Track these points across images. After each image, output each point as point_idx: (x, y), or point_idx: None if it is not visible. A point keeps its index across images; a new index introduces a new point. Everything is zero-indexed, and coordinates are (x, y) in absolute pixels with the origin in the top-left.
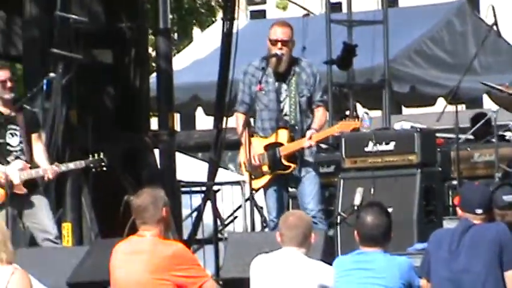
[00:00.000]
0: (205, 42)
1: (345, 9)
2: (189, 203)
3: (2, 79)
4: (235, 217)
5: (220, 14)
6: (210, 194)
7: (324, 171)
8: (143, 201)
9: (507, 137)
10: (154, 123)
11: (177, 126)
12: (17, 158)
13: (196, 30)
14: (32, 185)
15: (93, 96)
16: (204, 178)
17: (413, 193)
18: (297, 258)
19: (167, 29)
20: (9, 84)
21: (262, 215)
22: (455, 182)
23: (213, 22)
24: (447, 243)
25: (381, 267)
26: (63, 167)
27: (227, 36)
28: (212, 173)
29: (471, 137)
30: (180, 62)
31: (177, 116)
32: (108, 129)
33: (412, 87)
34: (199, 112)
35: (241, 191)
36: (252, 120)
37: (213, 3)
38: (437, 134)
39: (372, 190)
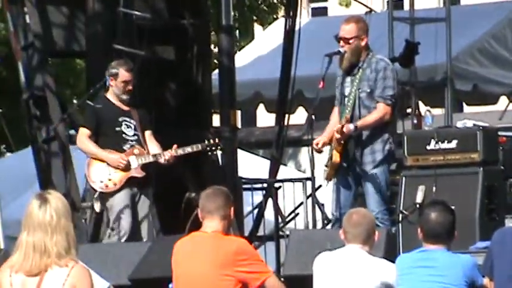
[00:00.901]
0: (266, 39)
1: (407, 6)
2: (251, 200)
3: (126, 79)
4: (297, 214)
5: (281, 12)
6: (271, 191)
7: None
8: (215, 195)
9: None
10: (216, 120)
11: (238, 123)
12: (132, 146)
13: (257, 28)
14: (143, 181)
15: (155, 92)
16: (265, 175)
17: (475, 191)
18: (360, 256)
19: (229, 26)
20: (129, 87)
21: (323, 212)
22: None
23: (274, 19)
24: (510, 242)
25: (444, 265)
26: (180, 151)
27: (289, 33)
28: (274, 170)
29: None
30: (242, 59)
31: (238, 113)
32: (170, 126)
33: (475, 85)
34: (260, 109)
35: (302, 188)
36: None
37: (275, 1)
38: (500, 132)
39: (434, 188)
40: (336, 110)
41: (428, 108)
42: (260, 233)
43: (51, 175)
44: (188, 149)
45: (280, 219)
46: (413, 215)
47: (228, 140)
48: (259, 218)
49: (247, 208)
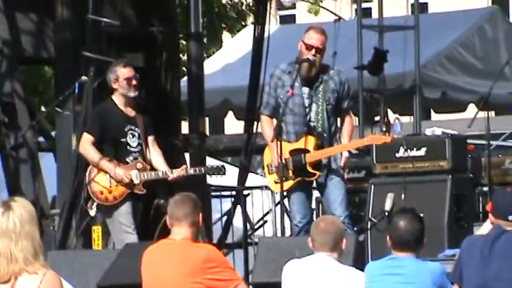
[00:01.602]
0: (235, 46)
1: (375, 14)
2: (219, 207)
3: (127, 76)
4: (265, 221)
5: (250, 19)
6: (240, 199)
7: (355, 177)
8: (183, 202)
9: None
10: (185, 127)
11: (207, 131)
12: (135, 158)
13: (225, 35)
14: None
15: None
16: (233, 182)
17: (444, 199)
18: (329, 264)
19: (198, 33)
20: (134, 82)
21: (292, 220)
22: (485, 189)
23: (243, 27)
24: (479, 249)
25: (413, 272)
26: (191, 171)
27: (258, 41)
28: (242, 178)
29: (508, 143)
30: (211, 66)
31: (206, 120)
32: None
33: (443, 93)
34: (229, 116)
35: (271, 195)
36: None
37: (243, 8)
38: (468, 140)
39: (403, 196)
40: (267, 119)
41: (397, 115)
42: (229, 240)
43: (20, 182)
44: (191, 171)
45: (248, 227)
46: (382, 222)
47: (197, 147)
48: (227, 225)
49: (215, 215)
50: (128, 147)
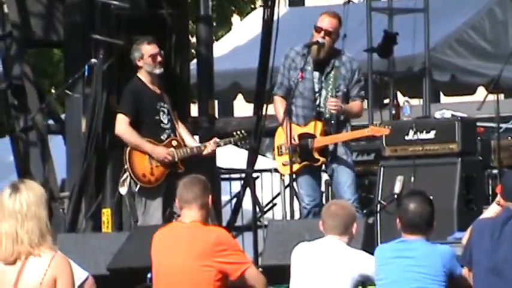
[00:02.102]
0: (244, 29)
1: None
2: (228, 189)
3: (152, 53)
4: (274, 204)
5: (259, 2)
6: (249, 181)
7: (364, 159)
8: (193, 184)
9: None
10: (194, 110)
11: (216, 113)
12: (168, 136)
13: (235, 18)
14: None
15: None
16: (243, 165)
17: (453, 182)
18: (338, 247)
19: (208, 16)
20: (159, 58)
21: (300, 203)
22: (495, 171)
23: (253, 10)
24: (489, 232)
25: (423, 255)
26: (221, 143)
27: (267, 23)
28: (251, 160)
29: None
30: (220, 49)
31: (215, 103)
32: None
33: (453, 76)
34: (238, 99)
35: (280, 178)
36: None
37: None
38: (478, 123)
39: (412, 178)
40: (281, 100)
41: (406, 98)
42: (238, 223)
43: (29, 165)
44: (222, 143)
45: (258, 209)
46: (391, 205)
47: (206, 130)
48: (237, 208)
49: (225, 198)
50: (162, 124)
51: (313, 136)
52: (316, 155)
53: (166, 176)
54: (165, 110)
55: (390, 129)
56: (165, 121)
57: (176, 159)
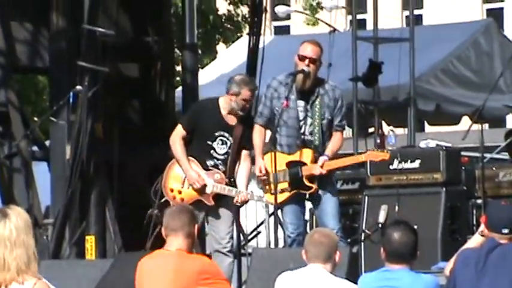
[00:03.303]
0: (230, 57)
1: (370, 26)
2: None
3: (246, 98)
4: (259, 232)
5: (245, 30)
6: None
7: (349, 188)
8: (180, 213)
9: None
10: None
11: None
12: (215, 165)
13: (220, 46)
14: (220, 197)
15: (118, 109)
16: None
17: (438, 211)
18: (322, 276)
19: (193, 44)
20: (248, 105)
21: (285, 231)
22: (479, 201)
23: (238, 38)
24: (473, 263)
25: (407, 285)
26: (248, 196)
27: (253, 51)
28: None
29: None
30: (205, 76)
31: None
32: (133, 143)
33: (438, 105)
34: None
35: (264, 206)
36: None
37: (239, 19)
38: (462, 153)
39: (397, 208)
40: (259, 129)
41: (391, 127)
42: None
43: (13, 191)
44: (254, 198)
45: (242, 237)
46: (375, 234)
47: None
48: None
49: None
50: (212, 151)
51: (302, 164)
52: (307, 183)
53: (196, 203)
54: (226, 141)
55: (389, 154)
56: (219, 150)
57: (209, 191)
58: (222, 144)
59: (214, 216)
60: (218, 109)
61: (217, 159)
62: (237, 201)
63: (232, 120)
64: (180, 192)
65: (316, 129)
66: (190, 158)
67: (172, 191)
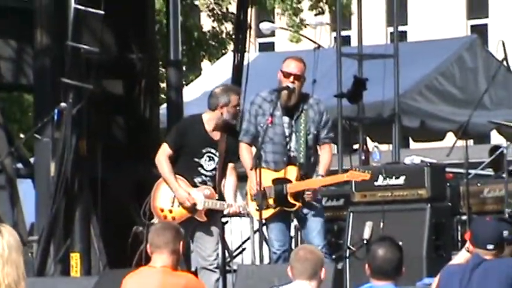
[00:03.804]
0: (214, 74)
1: (354, 42)
2: None
3: (236, 103)
4: (244, 249)
5: (230, 47)
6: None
7: (333, 205)
8: (165, 230)
9: None
10: None
11: None
12: (203, 182)
13: (205, 63)
14: (212, 212)
15: (103, 126)
16: None
17: (422, 228)
18: None
19: (178, 61)
20: (238, 111)
21: (270, 247)
22: (464, 217)
23: (223, 55)
24: (458, 279)
25: None
26: (240, 209)
27: (237, 68)
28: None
29: (487, 172)
30: (190, 93)
31: None
32: (117, 160)
33: (422, 121)
34: None
35: (249, 223)
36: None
37: (223, 36)
38: (447, 169)
39: (382, 224)
40: (247, 147)
41: (376, 144)
42: None
43: None
44: (245, 210)
45: (227, 254)
46: (360, 250)
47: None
48: None
49: None
50: (200, 168)
51: (287, 181)
52: (292, 200)
53: (188, 220)
54: (213, 157)
55: (371, 174)
56: (207, 167)
57: (200, 208)
58: (210, 160)
59: (203, 231)
60: (203, 125)
61: (206, 176)
62: (229, 214)
63: (216, 136)
64: (170, 212)
65: (302, 146)
66: (178, 176)
67: (162, 210)
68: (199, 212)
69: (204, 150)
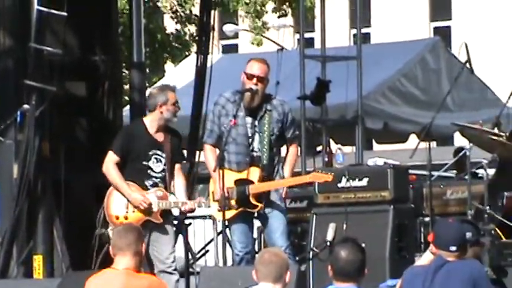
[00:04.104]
0: (177, 76)
1: (318, 44)
2: None
3: (175, 100)
4: (207, 251)
5: (193, 49)
6: (181, 228)
7: (297, 206)
8: (127, 232)
9: (480, 175)
10: None
11: None
12: (155, 184)
13: (168, 65)
14: (166, 213)
15: (66, 128)
16: (175, 212)
17: (385, 229)
18: None
19: (141, 63)
20: (177, 108)
21: (233, 249)
22: (427, 219)
23: (186, 56)
24: (421, 280)
25: None
26: (196, 204)
27: (201, 70)
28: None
29: (449, 174)
30: None
31: None
32: (81, 162)
33: (385, 123)
34: None
35: (212, 224)
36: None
37: (186, 38)
38: (410, 171)
39: (345, 226)
40: (211, 148)
41: (339, 146)
42: None
43: None
44: (202, 205)
45: (190, 256)
46: (323, 252)
47: None
48: None
49: None
50: (149, 171)
51: (250, 182)
52: (254, 201)
53: (145, 224)
54: (160, 159)
55: (333, 176)
56: (156, 169)
57: (156, 209)
58: (157, 162)
59: (159, 233)
60: (146, 129)
61: (156, 178)
62: (186, 210)
63: (160, 137)
64: (126, 218)
65: (266, 146)
66: (129, 182)
67: (117, 218)
68: (154, 213)
69: (150, 153)
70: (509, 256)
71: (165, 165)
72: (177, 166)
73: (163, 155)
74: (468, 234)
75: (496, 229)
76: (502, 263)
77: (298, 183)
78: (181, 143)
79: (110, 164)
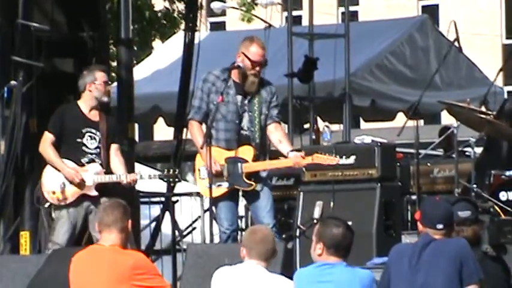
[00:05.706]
0: (165, 53)
1: (305, 22)
2: (148, 213)
3: (105, 80)
4: (194, 228)
5: (181, 26)
6: (168, 205)
7: (284, 184)
8: (113, 208)
9: (467, 153)
10: None
11: (136, 137)
12: (91, 160)
13: (156, 42)
14: (105, 188)
15: (53, 104)
16: (163, 189)
17: (372, 207)
18: (258, 272)
19: (129, 39)
20: (108, 88)
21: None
22: (414, 197)
23: (174, 33)
24: (407, 258)
25: (343, 279)
26: (138, 176)
27: (188, 47)
28: (171, 184)
29: (437, 152)
30: (141, 72)
31: (136, 127)
32: None
33: (373, 101)
34: (159, 123)
35: (200, 202)
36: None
37: (174, 15)
38: (397, 149)
39: (332, 203)
40: (198, 125)
41: (326, 123)
42: (157, 246)
43: None
44: (146, 176)
45: (177, 233)
46: (310, 230)
47: (126, 153)
48: (156, 232)
49: (144, 221)
50: (84, 147)
51: (243, 160)
52: (247, 180)
53: (80, 198)
54: (94, 137)
55: (338, 159)
56: (90, 145)
57: (90, 184)
58: (91, 139)
59: (97, 207)
60: (79, 109)
61: (91, 154)
62: (127, 183)
63: (95, 117)
64: (62, 192)
65: (257, 126)
66: (65, 160)
67: (54, 193)
68: (88, 187)
69: (84, 131)
70: (509, 233)
71: (99, 142)
72: (114, 146)
73: (98, 133)
74: (467, 213)
75: (495, 207)
76: (502, 240)
77: (299, 165)
78: (117, 125)
79: (46, 143)
